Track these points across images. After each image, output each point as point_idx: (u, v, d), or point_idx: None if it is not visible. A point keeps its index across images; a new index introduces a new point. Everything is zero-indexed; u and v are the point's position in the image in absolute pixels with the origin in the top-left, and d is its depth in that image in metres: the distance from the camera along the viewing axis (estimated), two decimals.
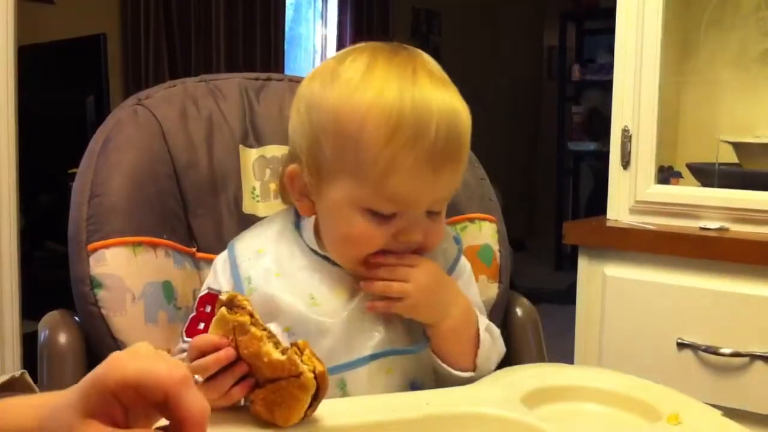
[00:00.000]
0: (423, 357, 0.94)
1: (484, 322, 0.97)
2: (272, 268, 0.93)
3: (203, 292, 0.96)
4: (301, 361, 0.74)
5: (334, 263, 0.93)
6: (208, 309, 0.92)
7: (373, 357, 0.89)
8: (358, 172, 0.86)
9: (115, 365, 0.55)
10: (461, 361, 0.93)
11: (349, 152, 0.86)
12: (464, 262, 1.02)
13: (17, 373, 0.70)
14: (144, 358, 0.56)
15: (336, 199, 0.89)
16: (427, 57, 0.91)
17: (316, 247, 0.94)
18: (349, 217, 0.88)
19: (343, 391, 0.89)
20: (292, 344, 0.76)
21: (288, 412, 0.75)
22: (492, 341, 0.97)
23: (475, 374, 0.93)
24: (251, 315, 0.77)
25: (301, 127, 0.91)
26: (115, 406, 0.55)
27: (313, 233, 0.95)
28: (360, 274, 0.92)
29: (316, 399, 0.75)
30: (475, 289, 1.04)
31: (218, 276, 0.96)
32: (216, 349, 0.77)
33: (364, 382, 0.88)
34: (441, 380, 0.94)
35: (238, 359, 0.77)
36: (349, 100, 0.85)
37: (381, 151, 0.83)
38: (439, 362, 0.93)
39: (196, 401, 0.55)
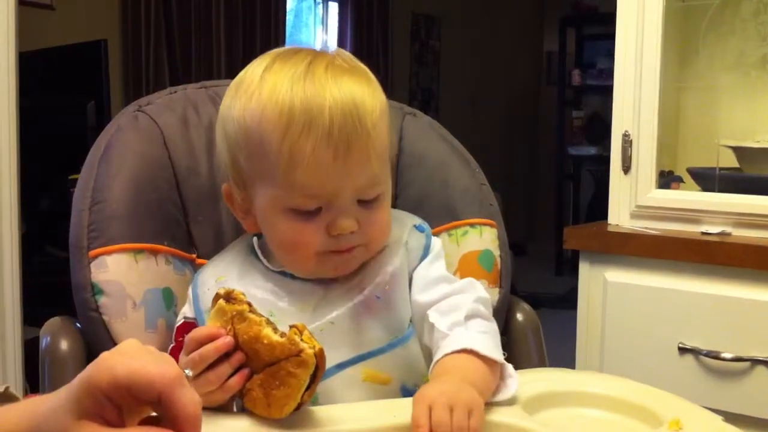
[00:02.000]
0: (411, 358, 0.92)
1: (463, 313, 0.89)
2: None
3: (179, 321, 0.96)
4: (301, 340, 0.75)
5: (292, 277, 0.93)
6: None
7: (340, 366, 0.88)
8: (268, 173, 0.87)
9: (104, 366, 0.55)
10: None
11: (257, 156, 0.87)
12: (435, 243, 0.99)
13: (0, 388, 0.70)
14: (133, 357, 0.56)
15: (261, 207, 0.90)
16: (337, 52, 0.92)
17: (269, 265, 0.94)
18: (276, 222, 0.89)
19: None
20: (291, 326, 0.77)
21: (286, 393, 0.75)
22: (488, 334, 0.89)
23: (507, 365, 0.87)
24: (249, 305, 0.79)
25: (220, 144, 0.93)
26: (107, 407, 0.55)
27: (262, 252, 0.96)
28: (324, 279, 0.91)
29: (313, 381, 0.76)
30: (440, 264, 0.98)
31: (190, 304, 0.96)
32: (214, 339, 0.78)
33: (335, 394, 0.86)
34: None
35: (235, 349, 0.78)
36: (248, 106, 0.87)
37: (279, 147, 0.84)
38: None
39: (190, 398, 0.55)
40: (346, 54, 0.92)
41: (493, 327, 0.92)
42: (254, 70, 0.90)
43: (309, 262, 0.90)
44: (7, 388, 0.70)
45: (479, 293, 0.95)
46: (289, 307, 0.91)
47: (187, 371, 0.76)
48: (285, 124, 0.84)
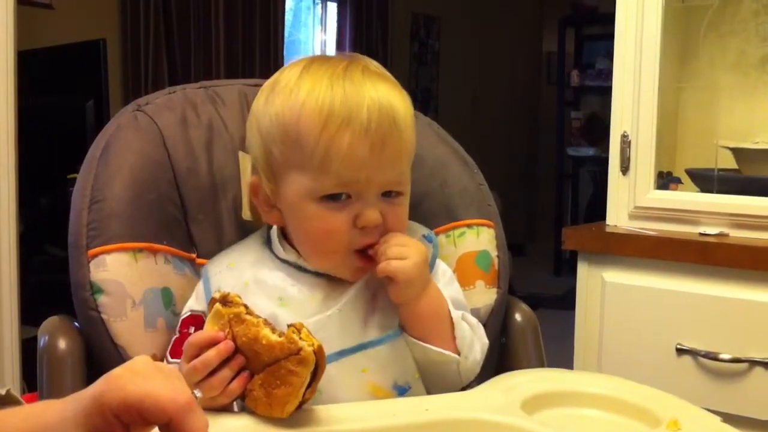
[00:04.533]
0: (402, 355, 0.93)
1: (458, 313, 0.96)
2: (242, 277, 0.95)
3: (185, 314, 0.97)
4: (300, 338, 0.76)
5: (304, 270, 0.95)
6: (191, 330, 0.93)
7: (342, 353, 0.90)
8: (303, 163, 0.90)
9: (117, 386, 0.55)
10: (443, 342, 0.93)
11: (293, 148, 0.90)
12: (440, 264, 1.03)
13: (2, 391, 0.70)
14: (146, 378, 0.56)
15: (291, 197, 0.92)
16: (366, 59, 0.97)
17: (284, 256, 0.96)
18: (306, 211, 0.91)
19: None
20: (289, 326, 0.78)
21: (287, 391, 0.76)
22: (471, 330, 0.97)
23: (461, 360, 0.93)
24: (246, 307, 0.80)
25: (253, 140, 0.96)
26: (116, 425, 0.55)
27: (279, 243, 0.98)
28: (344, 274, 0.94)
29: (314, 379, 0.76)
30: (456, 287, 1.03)
31: (197, 297, 0.98)
32: (214, 343, 0.79)
33: (334, 380, 0.88)
34: (428, 371, 0.93)
35: (235, 352, 0.79)
36: (287, 102, 0.91)
37: (318, 139, 0.88)
38: (422, 343, 0.92)
39: (199, 425, 0.56)
40: (376, 62, 0.97)
41: (477, 345, 0.97)
42: (290, 71, 0.94)
43: (336, 255, 0.92)
44: (8, 391, 0.70)
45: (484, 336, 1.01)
46: (299, 294, 0.94)
47: (196, 392, 0.76)
48: (325, 117, 0.88)
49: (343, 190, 0.90)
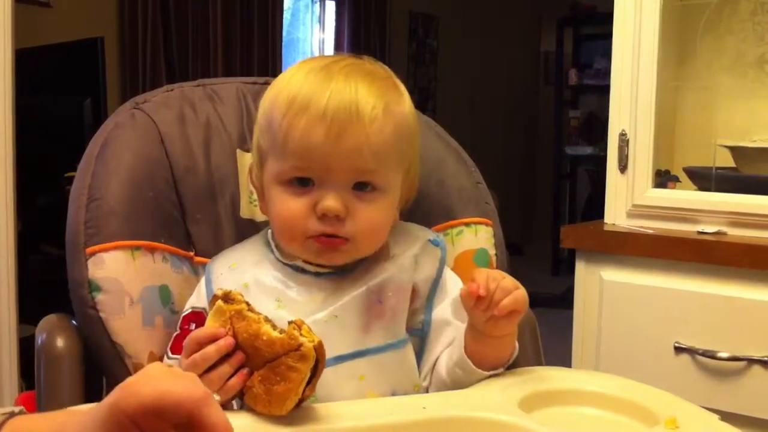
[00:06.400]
0: (404, 364, 0.94)
1: None
2: (243, 279, 0.95)
3: (186, 311, 0.98)
4: (300, 334, 0.76)
5: (303, 271, 0.95)
6: (193, 327, 0.94)
7: (339, 359, 0.90)
8: (272, 147, 0.93)
9: (131, 392, 0.55)
10: (499, 361, 0.93)
11: (267, 133, 0.94)
12: (449, 274, 1.02)
13: (16, 409, 0.70)
14: (159, 380, 0.56)
15: (267, 183, 0.95)
16: (367, 59, 0.97)
17: (282, 258, 0.97)
18: (275, 195, 0.93)
19: None
20: (289, 323, 0.78)
21: (287, 387, 0.76)
22: None
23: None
24: (247, 304, 0.81)
25: (255, 130, 1.00)
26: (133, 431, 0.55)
27: (275, 242, 0.98)
28: (333, 275, 0.94)
29: (314, 376, 0.76)
30: None
31: (199, 294, 0.98)
32: (215, 339, 0.80)
33: (330, 386, 0.88)
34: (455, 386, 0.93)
35: (235, 348, 0.79)
36: (270, 93, 0.95)
37: (281, 122, 0.91)
38: (472, 366, 0.91)
39: (220, 417, 0.55)
40: (380, 63, 0.97)
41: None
42: (289, 68, 0.97)
43: (296, 241, 0.93)
44: (21, 411, 0.70)
45: None
46: (297, 297, 0.93)
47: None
48: (289, 103, 0.90)
49: (301, 174, 0.91)
